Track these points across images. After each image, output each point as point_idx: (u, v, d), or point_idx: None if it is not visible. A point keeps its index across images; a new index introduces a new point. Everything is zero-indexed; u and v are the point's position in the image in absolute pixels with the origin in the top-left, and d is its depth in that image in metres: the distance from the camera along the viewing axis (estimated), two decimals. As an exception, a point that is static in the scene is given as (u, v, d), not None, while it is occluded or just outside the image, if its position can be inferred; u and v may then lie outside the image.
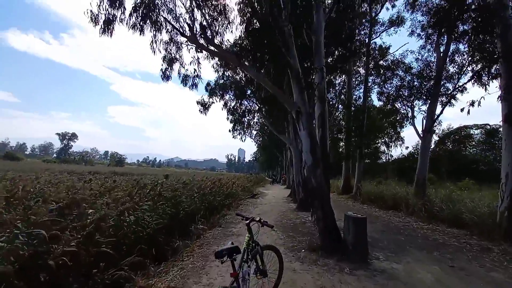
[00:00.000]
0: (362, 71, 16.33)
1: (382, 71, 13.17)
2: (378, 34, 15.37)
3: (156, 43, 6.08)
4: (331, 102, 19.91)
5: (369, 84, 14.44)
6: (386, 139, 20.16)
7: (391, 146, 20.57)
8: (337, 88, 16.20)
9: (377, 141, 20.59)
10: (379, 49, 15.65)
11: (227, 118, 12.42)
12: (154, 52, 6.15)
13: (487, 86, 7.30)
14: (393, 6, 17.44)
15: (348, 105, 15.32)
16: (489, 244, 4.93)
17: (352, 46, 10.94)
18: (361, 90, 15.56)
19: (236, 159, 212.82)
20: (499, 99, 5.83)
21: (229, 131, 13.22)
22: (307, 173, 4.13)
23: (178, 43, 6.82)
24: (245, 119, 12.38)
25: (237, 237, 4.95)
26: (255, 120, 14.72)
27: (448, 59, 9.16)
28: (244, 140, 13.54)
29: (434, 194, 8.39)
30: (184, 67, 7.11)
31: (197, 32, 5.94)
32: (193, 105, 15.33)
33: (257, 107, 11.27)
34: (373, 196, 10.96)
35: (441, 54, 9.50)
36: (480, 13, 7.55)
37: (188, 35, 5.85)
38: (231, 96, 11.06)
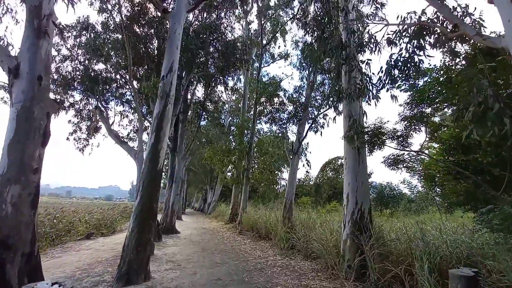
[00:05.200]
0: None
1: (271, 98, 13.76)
2: (268, 63, 16.68)
3: None
4: (223, 122, 19.32)
5: (259, 107, 14.55)
6: (280, 164, 21.02)
7: (283, 172, 21.60)
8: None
9: (272, 166, 21.19)
10: (272, 78, 16.86)
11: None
12: None
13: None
14: (285, 46, 20.06)
15: (241, 126, 14.75)
16: (330, 285, 3.99)
17: (234, 60, 10.54)
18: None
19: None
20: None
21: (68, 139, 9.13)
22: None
23: None
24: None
25: None
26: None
27: (313, 89, 9.82)
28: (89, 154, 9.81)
29: (298, 219, 7.86)
30: None
31: None
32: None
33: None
34: (252, 224, 9.80)
35: (310, 84, 10.31)
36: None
37: None
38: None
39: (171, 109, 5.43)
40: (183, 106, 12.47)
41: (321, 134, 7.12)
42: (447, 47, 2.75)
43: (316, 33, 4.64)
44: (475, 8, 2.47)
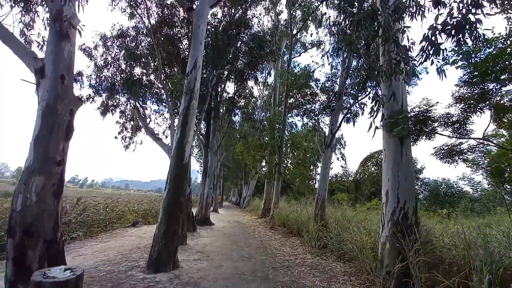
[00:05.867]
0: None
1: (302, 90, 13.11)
2: (300, 53, 15.94)
3: None
4: (256, 117, 19.19)
5: (290, 100, 14.03)
6: (315, 159, 20.13)
7: (318, 167, 20.63)
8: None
9: (307, 161, 20.41)
10: (303, 69, 16.10)
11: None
12: None
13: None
14: (317, 33, 18.94)
15: (272, 120, 14.46)
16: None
17: (262, 53, 10.29)
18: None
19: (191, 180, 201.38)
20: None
21: (116, 138, 10.26)
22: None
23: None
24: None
25: None
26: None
27: (348, 74, 8.96)
28: (134, 150, 10.80)
29: (333, 217, 7.30)
30: None
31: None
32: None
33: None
34: (283, 220, 9.59)
35: (344, 70, 9.44)
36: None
37: None
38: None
39: (196, 105, 5.52)
40: (214, 103, 12.80)
41: (354, 124, 6.46)
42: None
43: (344, 7, 4.09)
44: None
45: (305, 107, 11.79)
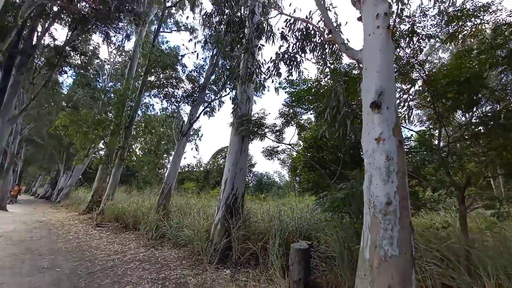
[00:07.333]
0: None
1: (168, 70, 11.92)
2: (171, 30, 14.64)
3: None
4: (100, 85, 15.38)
5: (150, 77, 12.39)
6: (170, 147, 19.30)
7: (171, 155, 20.13)
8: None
9: (160, 148, 19.07)
10: (172, 49, 14.89)
11: None
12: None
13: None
14: (194, 18, 18.26)
15: (124, 94, 11.86)
16: (191, 273, 3.79)
17: (118, 4, 8.23)
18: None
19: None
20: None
21: None
22: None
23: None
24: None
25: None
26: None
27: (214, 71, 9.45)
28: None
29: (177, 206, 7.33)
30: None
31: None
32: None
33: None
34: (117, 213, 8.13)
35: (212, 65, 9.85)
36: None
37: None
38: None
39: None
40: (25, 45, 8.51)
41: (209, 117, 6.96)
42: (321, 54, 3.18)
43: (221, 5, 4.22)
44: (346, 22, 3.01)
45: (167, 89, 10.90)
